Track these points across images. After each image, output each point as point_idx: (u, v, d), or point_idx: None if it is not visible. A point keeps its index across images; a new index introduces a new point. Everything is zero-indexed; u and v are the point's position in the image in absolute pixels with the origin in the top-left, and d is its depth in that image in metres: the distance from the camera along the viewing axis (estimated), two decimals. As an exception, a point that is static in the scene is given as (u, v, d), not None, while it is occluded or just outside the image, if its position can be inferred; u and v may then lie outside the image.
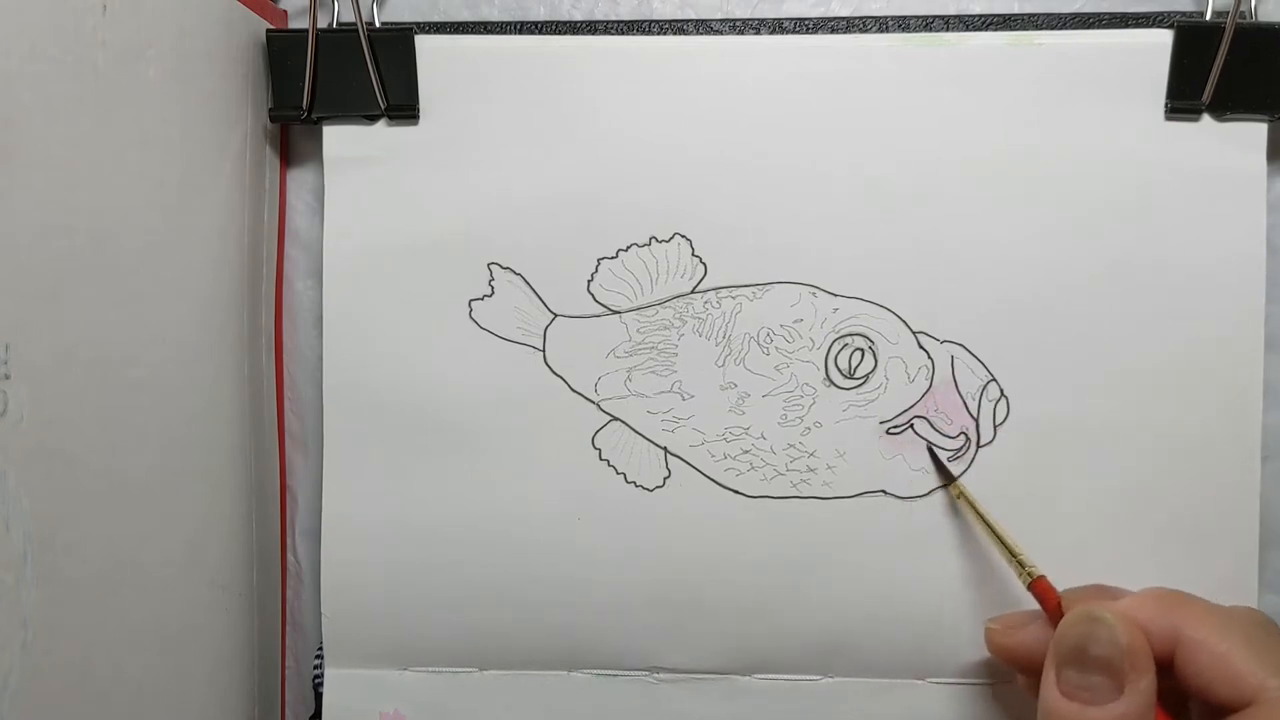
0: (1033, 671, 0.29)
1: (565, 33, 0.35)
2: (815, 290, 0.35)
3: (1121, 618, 0.26)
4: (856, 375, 0.35)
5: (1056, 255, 0.34)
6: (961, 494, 0.34)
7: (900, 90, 0.34)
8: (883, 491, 0.35)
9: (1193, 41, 0.33)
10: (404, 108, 0.35)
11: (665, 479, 0.35)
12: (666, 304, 0.35)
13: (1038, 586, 0.30)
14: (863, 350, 0.35)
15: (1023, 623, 0.31)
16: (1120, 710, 0.25)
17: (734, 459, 0.35)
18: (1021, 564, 0.31)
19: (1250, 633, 0.26)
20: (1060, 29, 0.34)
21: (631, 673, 0.36)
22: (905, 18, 0.35)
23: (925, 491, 0.35)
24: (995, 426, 0.34)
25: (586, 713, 0.36)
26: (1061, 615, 0.28)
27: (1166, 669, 0.27)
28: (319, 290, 0.36)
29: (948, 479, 0.34)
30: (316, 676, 0.37)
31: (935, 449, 0.34)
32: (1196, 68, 0.33)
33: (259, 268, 0.36)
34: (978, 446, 0.34)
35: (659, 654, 0.36)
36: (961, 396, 0.34)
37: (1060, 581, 0.30)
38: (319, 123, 0.35)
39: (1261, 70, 0.33)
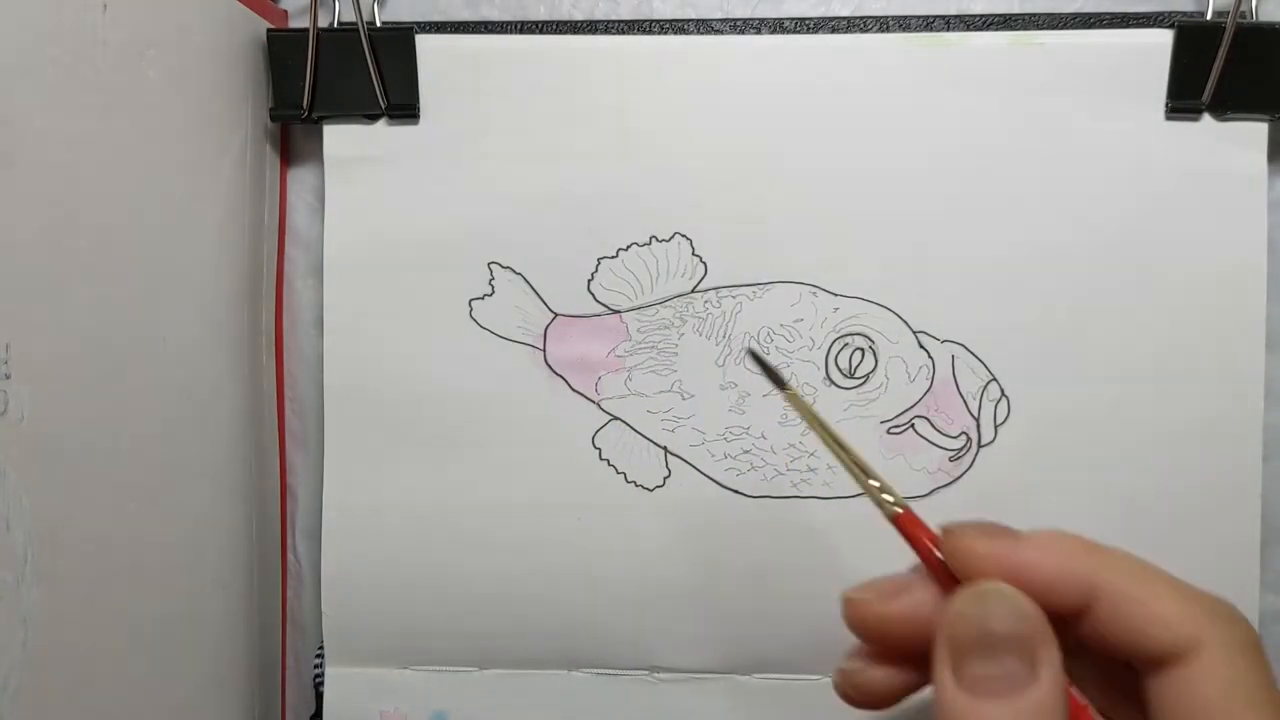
0: (911, 650, 0.22)
1: (565, 32, 0.35)
2: (815, 290, 0.35)
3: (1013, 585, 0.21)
4: (857, 375, 0.35)
5: (1057, 255, 0.34)
6: (798, 399, 0.24)
7: (900, 90, 0.34)
8: (883, 491, 0.35)
9: (1193, 41, 0.33)
10: (404, 107, 0.35)
11: (665, 478, 0.35)
12: (667, 303, 0.35)
13: (904, 521, 0.22)
14: (863, 350, 0.35)
15: (896, 589, 0.22)
16: (1041, 693, 0.20)
17: (734, 459, 0.35)
18: (882, 489, 0.22)
19: (1169, 578, 0.22)
20: (1061, 29, 0.34)
21: (631, 672, 0.36)
22: (906, 17, 0.34)
23: (926, 491, 0.35)
24: (996, 426, 0.34)
25: (586, 712, 0.36)
26: (933, 554, 0.22)
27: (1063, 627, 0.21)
28: (319, 290, 0.36)
29: (780, 385, 0.24)
30: (317, 675, 0.37)
31: (765, 363, 0.25)
32: (1197, 67, 0.33)
33: (259, 267, 0.36)
34: (978, 446, 0.34)
35: (659, 653, 0.36)
36: (962, 396, 0.34)
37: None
38: (319, 122, 0.35)
39: (1261, 70, 0.33)
